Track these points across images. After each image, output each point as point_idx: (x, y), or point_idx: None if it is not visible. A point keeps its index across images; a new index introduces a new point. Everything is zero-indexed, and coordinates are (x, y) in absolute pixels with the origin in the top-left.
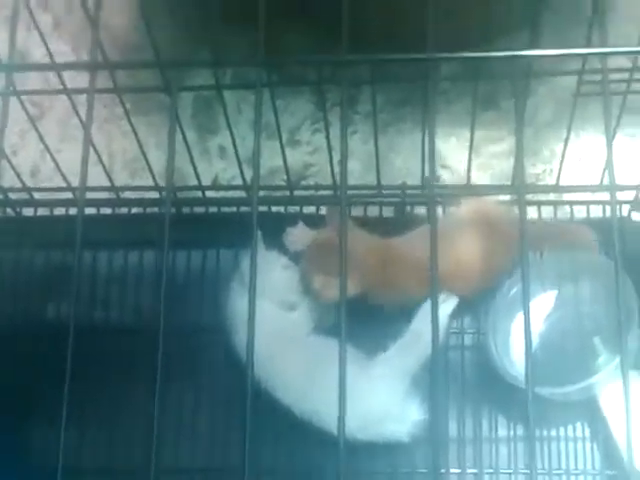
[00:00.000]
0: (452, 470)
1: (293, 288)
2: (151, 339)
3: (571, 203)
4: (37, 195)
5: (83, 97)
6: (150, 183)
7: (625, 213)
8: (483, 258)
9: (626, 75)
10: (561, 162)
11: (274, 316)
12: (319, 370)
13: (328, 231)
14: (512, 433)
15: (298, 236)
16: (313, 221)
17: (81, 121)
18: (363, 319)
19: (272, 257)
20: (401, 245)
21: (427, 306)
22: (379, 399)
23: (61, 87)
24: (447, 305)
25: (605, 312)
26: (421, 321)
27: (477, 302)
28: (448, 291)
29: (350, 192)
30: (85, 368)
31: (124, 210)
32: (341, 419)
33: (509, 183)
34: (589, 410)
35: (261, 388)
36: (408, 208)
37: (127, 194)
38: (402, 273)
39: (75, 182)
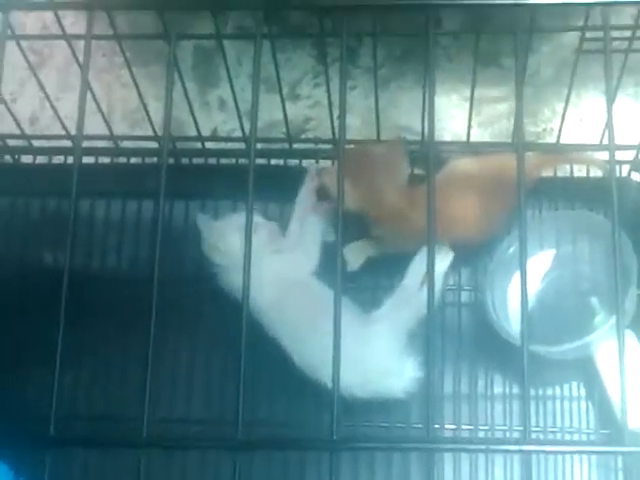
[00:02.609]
0: (447, 426)
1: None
2: (148, 288)
3: (571, 162)
4: (36, 143)
5: (83, 45)
6: (150, 134)
7: (625, 173)
8: (482, 213)
9: (628, 33)
10: (562, 121)
11: (273, 261)
12: (319, 317)
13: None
14: (508, 391)
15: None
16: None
17: (80, 67)
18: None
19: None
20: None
21: (420, 262)
22: (376, 356)
23: (60, 33)
24: (442, 262)
25: (603, 272)
26: (414, 277)
27: (475, 259)
28: (446, 245)
29: (349, 146)
30: (81, 316)
31: (123, 160)
32: (336, 369)
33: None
34: (584, 369)
35: (261, 337)
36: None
37: (126, 144)
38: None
39: (74, 131)
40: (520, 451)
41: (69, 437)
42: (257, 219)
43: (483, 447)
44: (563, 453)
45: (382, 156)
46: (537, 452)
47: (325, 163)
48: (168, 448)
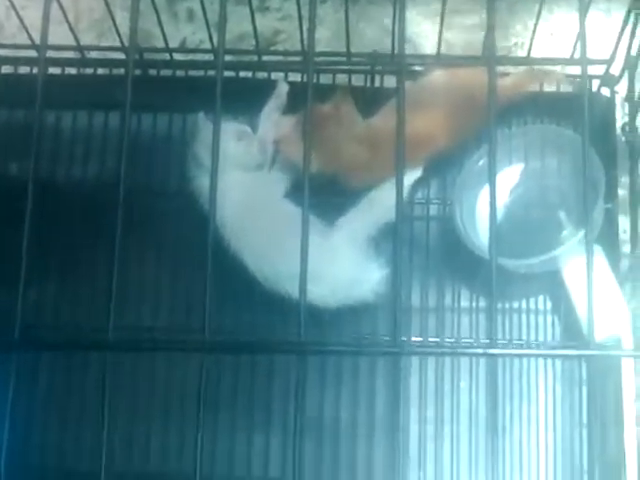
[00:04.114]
0: (414, 338)
1: (253, 155)
2: (115, 200)
3: (542, 81)
4: (1, 52)
5: None
6: (117, 44)
7: (595, 88)
8: (451, 127)
9: None
10: (533, 34)
11: (243, 181)
12: (286, 236)
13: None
14: (474, 304)
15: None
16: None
17: None
18: (325, 190)
19: (230, 127)
20: (377, 123)
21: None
22: (340, 263)
23: None
24: (410, 175)
25: (571, 186)
26: (380, 188)
27: (444, 172)
28: (415, 158)
29: (318, 59)
30: (47, 227)
31: (90, 71)
32: (303, 268)
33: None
34: (551, 283)
35: (228, 253)
36: (378, 78)
37: (93, 55)
38: (381, 157)
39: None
40: (486, 354)
41: (34, 340)
42: (246, 128)
43: (449, 350)
44: (528, 356)
45: (332, 113)
46: (503, 356)
47: (294, 76)
48: (134, 350)
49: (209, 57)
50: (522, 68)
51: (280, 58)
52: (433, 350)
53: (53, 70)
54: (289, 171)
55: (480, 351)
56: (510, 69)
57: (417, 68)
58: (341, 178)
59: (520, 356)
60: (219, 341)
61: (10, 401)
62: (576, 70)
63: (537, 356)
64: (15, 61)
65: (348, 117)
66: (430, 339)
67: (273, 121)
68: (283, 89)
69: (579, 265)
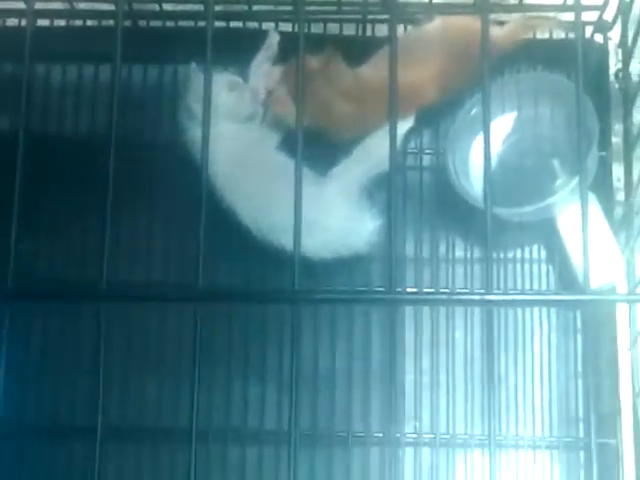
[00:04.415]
0: (409, 289)
1: (245, 105)
2: (106, 153)
3: (535, 29)
4: None
5: None
6: None
7: (588, 35)
8: (444, 76)
9: None
10: None
11: (235, 133)
12: (280, 187)
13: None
14: (469, 254)
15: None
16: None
17: None
18: (316, 142)
19: (221, 77)
20: (367, 74)
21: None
22: (333, 213)
23: None
24: (402, 125)
25: (564, 134)
26: (372, 138)
27: (437, 122)
28: (408, 107)
29: (309, 8)
30: (39, 180)
31: (79, 23)
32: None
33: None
34: (546, 232)
35: (221, 205)
36: (369, 27)
37: (82, 6)
38: (370, 109)
39: None
40: (482, 301)
41: (27, 291)
42: (237, 79)
43: (445, 297)
44: (524, 304)
45: (320, 68)
46: (499, 303)
47: (285, 26)
48: (128, 301)
49: (199, 7)
50: (515, 15)
51: (270, 8)
52: (428, 297)
53: (42, 22)
54: (280, 124)
55: (477, 298)
56: (503, 16)
57: (409, 16)
58: (330, 131)
59: (516, 303)
60: (212, 290)
61: (4, 352)
62: (569, 17)
63: (533, 303)
64: (2, 13)
65: (336, 72)
66: (425, 289)
67: (264, 71)
68: (274, 39)
69: (573, 213)
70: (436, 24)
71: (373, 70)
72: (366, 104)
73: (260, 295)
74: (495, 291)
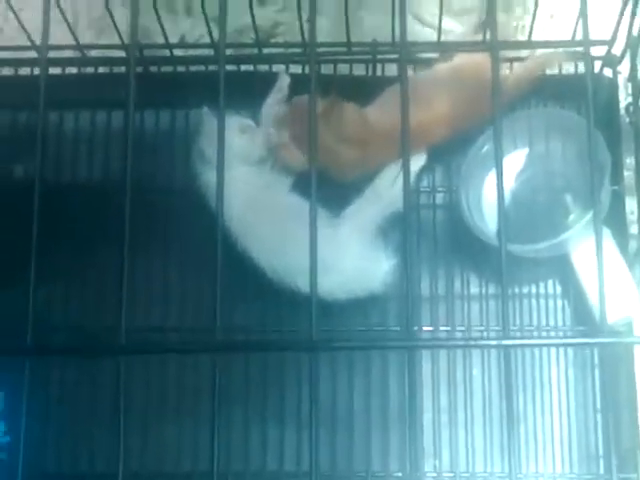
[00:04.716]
0: (425, 328)
1: (257, 148)
2: (120, 199)
3: (545, 67)
4: (1, 55)
5: None
6: (117, 42)
7: (597, 69)
8: (456, 116)
9: None
10: (533, 18)
11: (248, 176)
12: (294, 229)
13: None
14: (484, 291)
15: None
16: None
17: None
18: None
19: (233, 121)
20: (372, 115)
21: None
22: (348, 254)
23: None
24: (413, 162)
25: (576, 169)
26: (385, 177)
27: (449, 160)
28: (418, 146)
29: (319, 50)
30: (54, 229)
31: (90, 70)
32: (313, 267)
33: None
34: (560, 267)
35: (236, 249)
36: (379, 67)
37: (93, 53)
38: (373, 151)
39: (39, 41)
40: (500, 346)
41: (47, 346)
42: (249, 122)
43: (462, 343)
44: (542, 346)
45: (323, 113)
46: (516, 347)
47: (295, 68)
48: (147, 353)
49: (209, 52)
50: (524, 52)
51: (281, 50)
52: (445, 343)
53: (54, 70)
54: (290, 167)
55: (494, 343)
56: (512, 53)
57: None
58: (333, 172)
59: (533, 346)
60: (230, 341)
61: (25, 407)
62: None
63: (550, 345)
64: (16, 63)
65: (339, 118)
66: (441, 328)
67: (275, 113)
68: (285, 81)
69: (587, 248)
70: (447, 63)
71: (378, 111)
72: (370, 146)
73: (278, 344)
74: (512, 333)
